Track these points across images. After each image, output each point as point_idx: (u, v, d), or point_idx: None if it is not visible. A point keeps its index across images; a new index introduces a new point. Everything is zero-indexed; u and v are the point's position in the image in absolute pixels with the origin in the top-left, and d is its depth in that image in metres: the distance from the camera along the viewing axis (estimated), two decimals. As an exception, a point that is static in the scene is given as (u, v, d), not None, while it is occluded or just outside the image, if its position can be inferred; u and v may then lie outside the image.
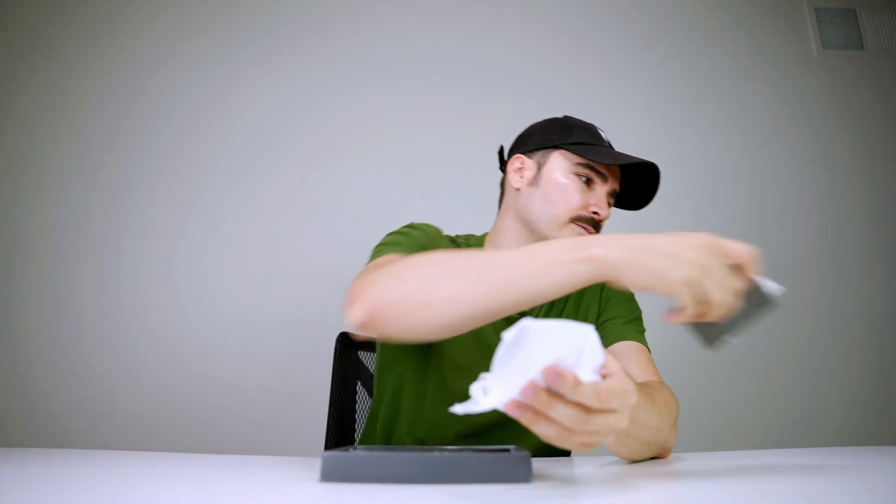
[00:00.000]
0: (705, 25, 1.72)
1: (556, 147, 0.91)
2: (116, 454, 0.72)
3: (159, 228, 1.62)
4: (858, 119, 1.68)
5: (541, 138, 0.93)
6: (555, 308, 0.93)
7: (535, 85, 1.69)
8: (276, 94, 1.68)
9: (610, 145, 0.93)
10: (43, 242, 1.60)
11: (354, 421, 1.14)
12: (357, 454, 0.53)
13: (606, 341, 0.87)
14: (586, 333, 0.48)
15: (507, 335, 0.51)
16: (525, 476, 0.51)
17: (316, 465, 0.61)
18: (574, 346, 0.47)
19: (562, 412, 0.44)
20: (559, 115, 1.00)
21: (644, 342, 0.89)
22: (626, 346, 0.86)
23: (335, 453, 0.53)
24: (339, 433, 1.09)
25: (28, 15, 1.65)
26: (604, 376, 0.50)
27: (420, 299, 0.58)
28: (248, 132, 1.67)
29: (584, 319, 0.91)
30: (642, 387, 0.63)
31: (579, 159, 0.88)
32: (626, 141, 1.63)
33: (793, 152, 1.68)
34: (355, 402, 1.15)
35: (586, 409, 0.45)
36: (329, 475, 0.52)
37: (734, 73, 1.70)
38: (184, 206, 1.63)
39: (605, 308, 0.93)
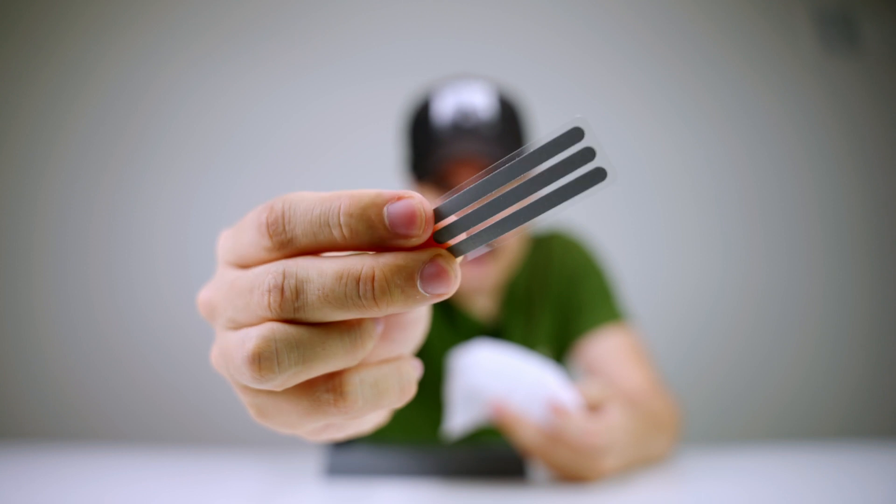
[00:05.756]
0: (704, 29, 1.72)
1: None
2: (112, 448, 0.72)
3: (163, 222, 1.62)
4: (858, 122, 1.68)
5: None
6: (505, 332, 0.78)
7: (532, 85, 1.70)
8: (277, 95, 1.68)
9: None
10: (43, 239, 1.60)
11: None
12: (358, 449, 0.54)
13: (578, 342, 0.76)
14: (542, 374, 0.50)
15: (458, 363, 0.53)
16: (523, 470, 0.52)
17: (313, 457, 0.62)
18: (525, 382, 0.50)
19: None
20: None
21: (617, 315, 0.76)
22: (599, 345, 0.74)
23: (337, 448, 0.54)
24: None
25: (32, 14, 1.65)
26: (592, 408, 0.51)
27: None
28: (250, 131, 1.67)
29: (536, 336, 0.78)
30: (630, 409, 0.54)
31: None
32: (625, 143, 1.63)
33: (793, 155, 1.69)
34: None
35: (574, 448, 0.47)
36: (331, 469, 0.53)
37: (733, 76, 1.70)
38: (185, 202, 1.64)
39: (567, 304, 0.79)
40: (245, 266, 0.20)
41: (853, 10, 1.73)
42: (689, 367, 1.53)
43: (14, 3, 1.66)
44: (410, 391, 0.21)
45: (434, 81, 0.81)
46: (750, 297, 1.59)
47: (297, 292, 0.17)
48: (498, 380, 0.50)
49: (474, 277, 0.70)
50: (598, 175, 0.16)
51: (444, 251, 0.17)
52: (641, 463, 0.56)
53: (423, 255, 0.17)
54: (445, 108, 0.68)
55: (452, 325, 0.77)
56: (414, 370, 0.21)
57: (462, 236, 0.17)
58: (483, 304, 0.78)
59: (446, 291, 0.17)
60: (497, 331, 0.77)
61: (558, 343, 0.79)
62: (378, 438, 0.80)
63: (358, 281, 0.17)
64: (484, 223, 0.17)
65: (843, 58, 1.73)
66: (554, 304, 0.79)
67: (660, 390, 0.70)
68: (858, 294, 1.62)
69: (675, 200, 1.61)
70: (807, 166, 1.67)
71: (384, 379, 0.20)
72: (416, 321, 0.24)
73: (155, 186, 1.61)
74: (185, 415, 1.50)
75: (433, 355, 0.69)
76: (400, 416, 0.77)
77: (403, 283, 0.17)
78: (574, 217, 1.31)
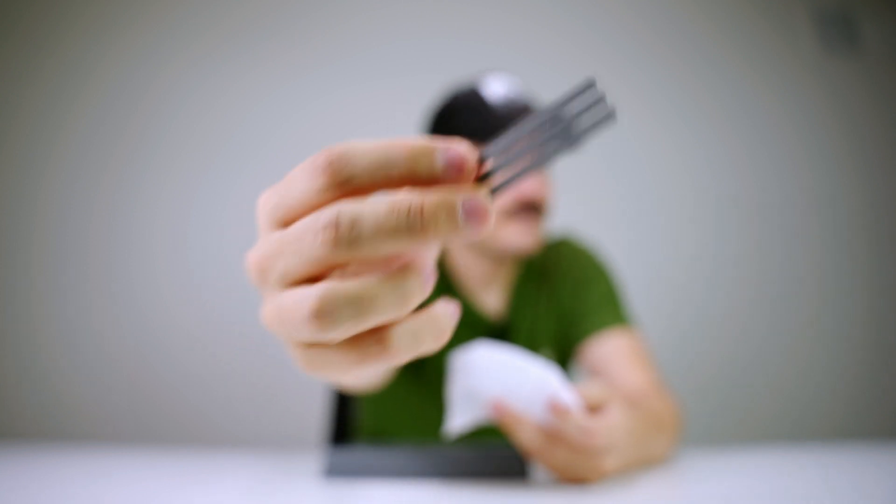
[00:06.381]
0: (704, 29, 1.72)
1: None
2: (112, 448, 0.72)
3: (163, 222, 1.62)
4: (858, 122, 1.68)
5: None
6: (510, 334, 0.80)
7: (532, 85, 1.70)
8: (277, 94, 1.68)
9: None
10: (44, 239, 1.60)
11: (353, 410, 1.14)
12: (359, 450, 0.54)
13: (582, 344, 0.78)
14: (543, 374, 0.49)
15: (459, 362, 0.53)
16: (524, 471, 0.52)
17: (313, 457, 0.62)
18: (525, 382, 0.49)
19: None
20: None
21: (622, 319, 0.78)
22: (602, 347, 0.76)
23: (338, 449, 0.54)
24: (338, 424, 1.09)
25: (32, 14, 1.65)
26: (592, 408, 0.51)
27: None
28: (250, 131, 1.67)
29: (541, 338, 0.80)
30: (630, 410, 0.54)
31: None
32: (625, 142, 1.63)
33: (793, 155, 1.68)
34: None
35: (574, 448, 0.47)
36: (331, 469, 0.53)
37: (733, 76, 1.70)
38: (184, 201, 1.64)
39: (571, 308, 0.81)
40: (292, 221, 0.22)
41: (853, 10, 1.73)
42: (690, 368, 1.53)
43: (14, 3, 1.66)
44: (444, 338, 0.23)
45: (468, 75, 0.82)
46: (750, 297, 1.59)
47: (352, 226, 0.19)
48: (499, 380, 0.50)
49: (521, 234, 0.73)
50: (607, 117, 0.20)
51: (481, 190, 0.20)
52: (642, 463, 0.56)
53: (464, 192, 0.19)
54: (496, 90, 0.74)
55: (460, 321, 0.78)
56: (450, 318, 0.23)
57: (497, 177, 0.21)
58: (491, 302, 0.79)
59: (483, 224, 0.20)
60: (503, 329, 0.79)
61: (562, 346, 0.79)
62: (384, 432, 0.81)
63: (408, 213, 0.19)
64: (516, 164, 0.21)
65: (843, 58, 1.74)
66: (559, 308, 0.81)
67: (660, 391, 0.71)
68: (858, 294, 1.62)
69: (674, 200, 1.61)
70: (807, 166, 1.67)
71: (422, 329, 0.22)
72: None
73: (155, 186, 1.61)
74: (185, 415, 1.50)
75: (439, 351, 0.70)
76: (406, 410, 0.78)
77: (447, 215, 0.19)
78: (575, 217, 1.32)
